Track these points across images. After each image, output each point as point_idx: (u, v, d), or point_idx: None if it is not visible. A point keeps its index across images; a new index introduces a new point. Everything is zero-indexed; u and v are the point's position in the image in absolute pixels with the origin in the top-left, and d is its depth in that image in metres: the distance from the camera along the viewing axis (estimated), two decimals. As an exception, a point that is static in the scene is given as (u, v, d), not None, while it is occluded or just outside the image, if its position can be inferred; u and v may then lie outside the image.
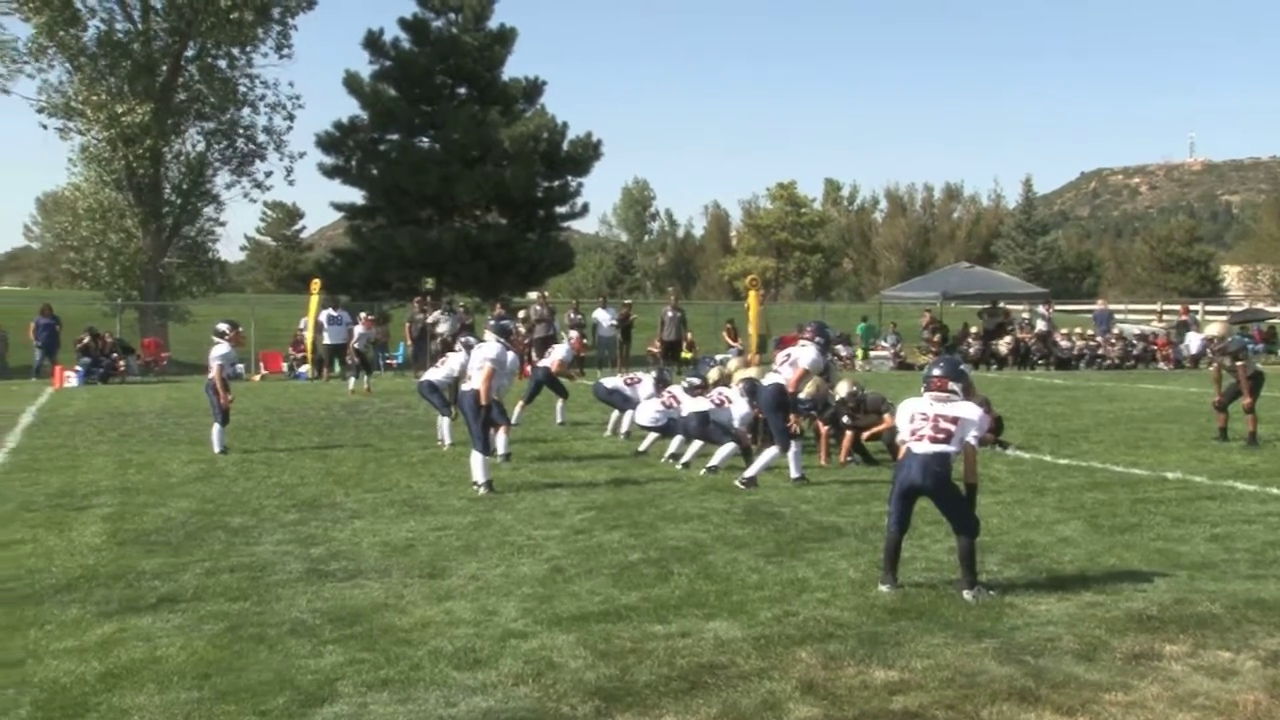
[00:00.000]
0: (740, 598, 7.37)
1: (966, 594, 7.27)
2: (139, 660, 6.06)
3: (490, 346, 12.06)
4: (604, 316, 33.31)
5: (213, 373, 14.32)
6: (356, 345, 25.00)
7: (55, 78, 35.98)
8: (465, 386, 12.09)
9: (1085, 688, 5.61)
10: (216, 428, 14.39)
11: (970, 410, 7.61)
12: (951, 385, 7.64)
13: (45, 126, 36.52)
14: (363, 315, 26.87)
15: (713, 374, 15.11)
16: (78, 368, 27.59)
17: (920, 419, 7.55)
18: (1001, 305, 37.69)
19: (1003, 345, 34.63)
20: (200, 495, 11.35)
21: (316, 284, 31.63)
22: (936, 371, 7.79)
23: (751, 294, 32.16)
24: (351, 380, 24.45)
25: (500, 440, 13.27)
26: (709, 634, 6.55)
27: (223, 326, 14.69)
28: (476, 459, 11.45)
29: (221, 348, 14.47)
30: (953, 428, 7.44)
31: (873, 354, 35.29)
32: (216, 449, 14.22)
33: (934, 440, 7.44)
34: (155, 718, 5.25)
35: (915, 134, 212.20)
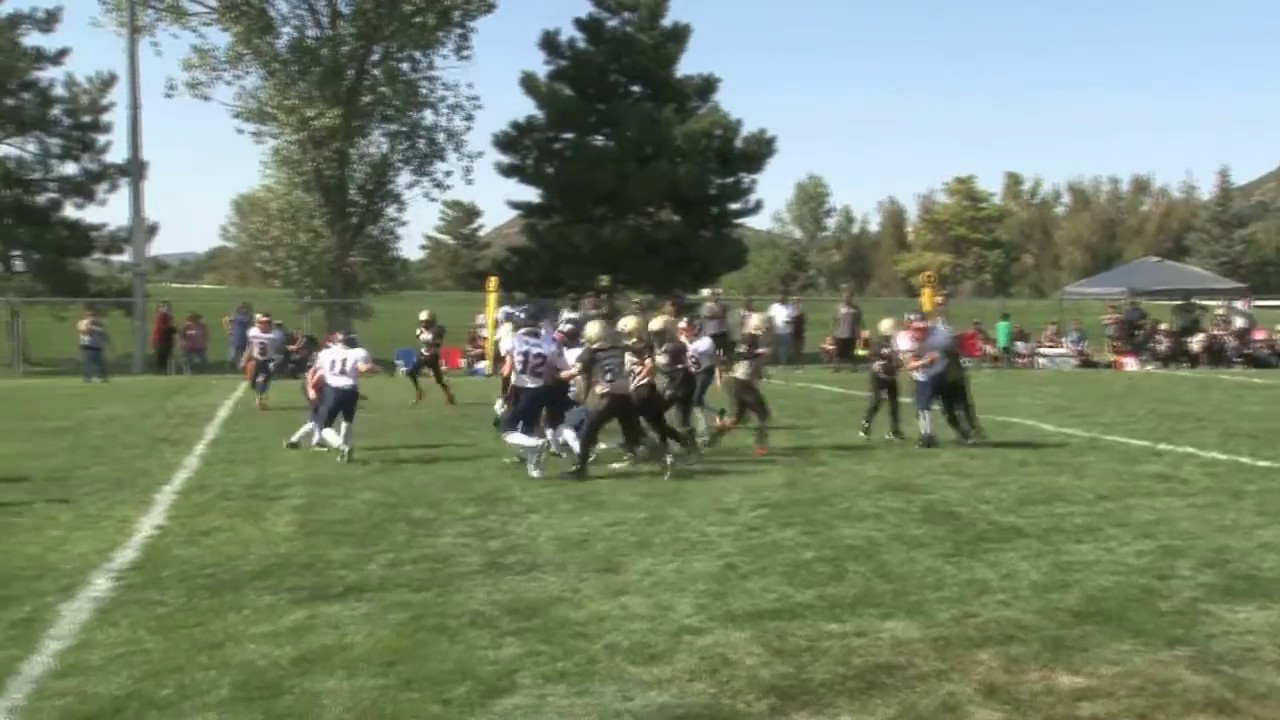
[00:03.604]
0: (917, 598, 7.25)
1: None
2: (328, 646, 6.28)
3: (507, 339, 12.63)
4: (781, 313, 33.10)
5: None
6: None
7: (250, 84, 37.64)
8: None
9: (1288, 702, 5.36)
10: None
11: None
12: None
13: (241, 131, 38.29)
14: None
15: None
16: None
17: None
18: (1194, 301, 36.24)
19: (1195, 343, 33.29)
20: (383, 488, 11.69)
21: (493, 281, 32.24)
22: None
23: (926, 290, 31.61)
24: None
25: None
26: (885, 634, 6.47)
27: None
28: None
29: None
30: None
31: (1053, 351, 34.28)
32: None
33: None
34: (344, 702, 5.43)
35: (1101, 125, 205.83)
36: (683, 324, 15.89)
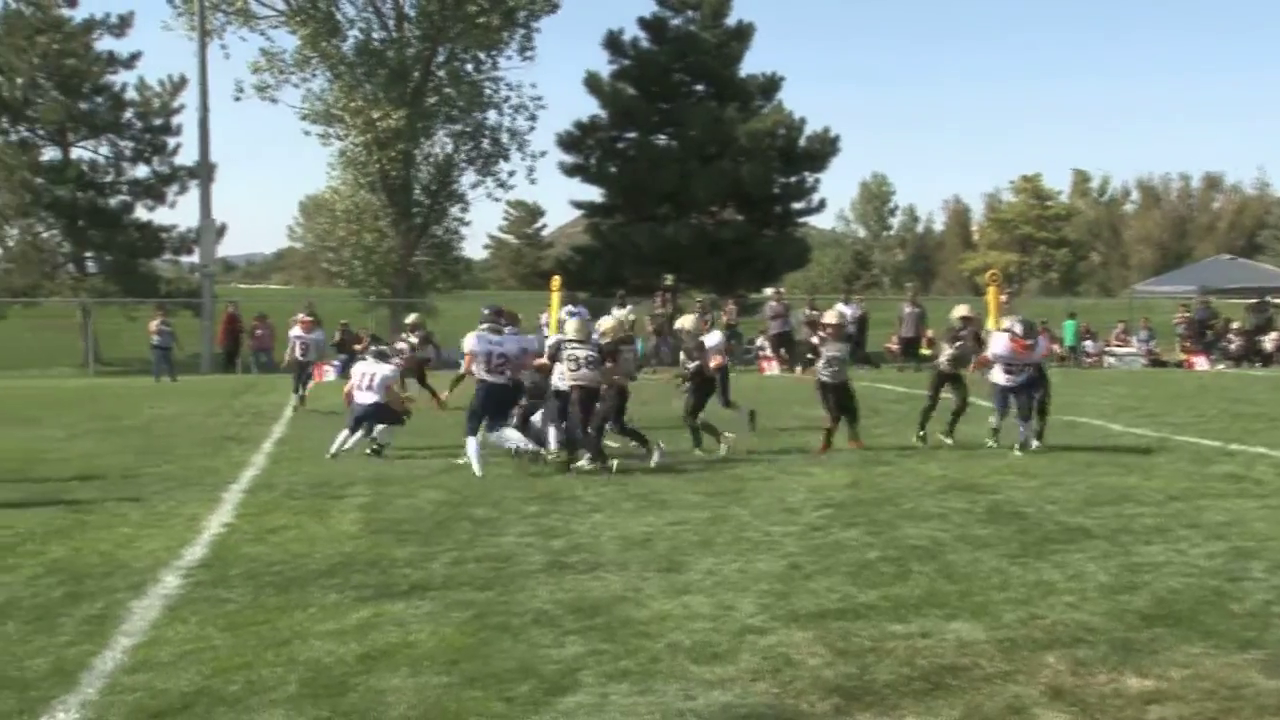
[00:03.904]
0: (983, 599, 7.17)
1: None
2: (393, 644, 6.32)
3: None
4: (846, 312, 32.87)
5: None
6: None
7: (317, 86, 38.09)
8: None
9: (1366, 711, 5.24)
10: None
11: None
12: None
13: (308, 133, 38.80)
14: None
15: None
16: (335, 362, 28.90)
17: None
18: (1268, 299, 35.59)
19: (1268, 341, 32.69)
20: (447, 487, 11.76)
21: (557, 281, 32.22)
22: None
23: (991, 289, 31.25)
24: None
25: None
26: (950, 635, 6.40)
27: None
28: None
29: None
30: None
31: (1122, 351, 33.80)
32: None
33: None
34: (408, 700, 5.46)
35: (1170, 121, 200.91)
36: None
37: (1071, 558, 8.27)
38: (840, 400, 14.11)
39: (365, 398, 14.09)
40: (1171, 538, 8.87)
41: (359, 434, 14.06)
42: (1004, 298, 30.55)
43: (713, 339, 14.81)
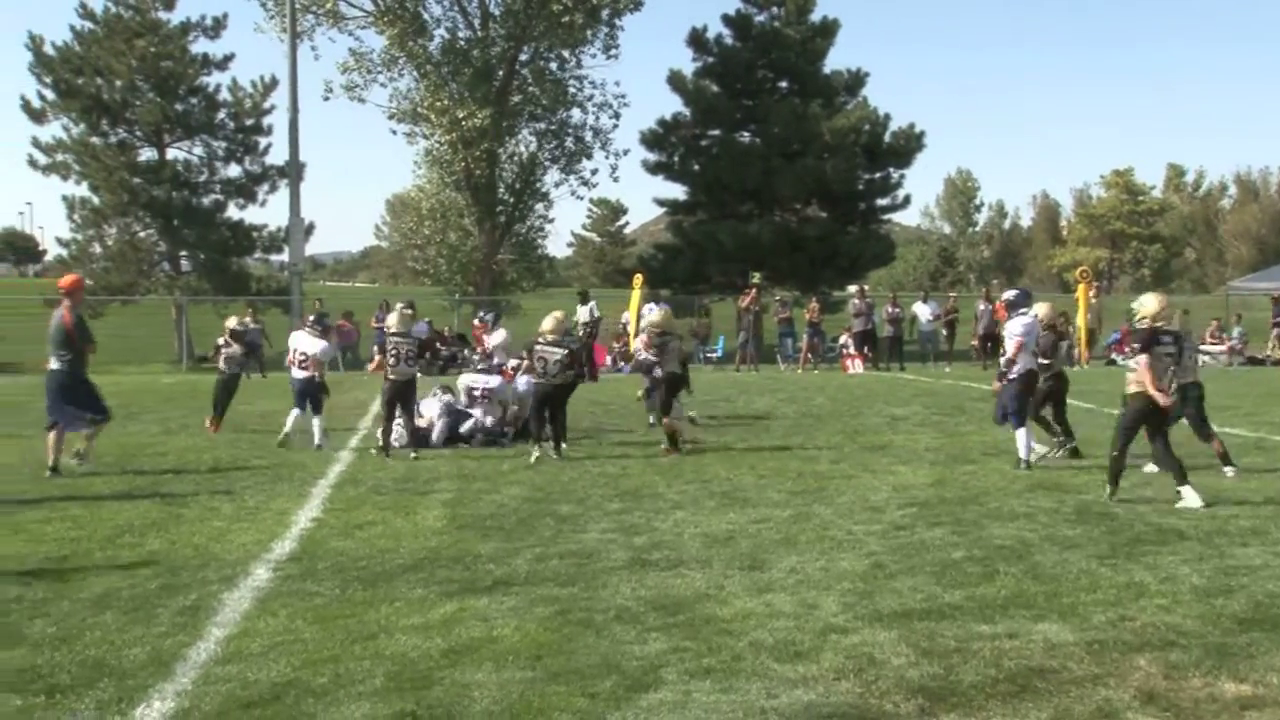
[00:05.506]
0: (1071, 600, 7.07)
1: None
2: (477, 639, 6.39)
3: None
4: (924, 310, 32.64)
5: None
6: None
7: (403, 86, 38.51)
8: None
9: None
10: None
11: None
12: None
13: (394, 132, 39.28)
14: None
15: None
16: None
17: None
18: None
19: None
20: (530, 483, 11.85)
21: (640, 278, 32.37)
22: None
23: (1081, 286, 30.80)
24: None
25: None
26: (1038, 636, 6.32)
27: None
28: None
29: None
30: None
31: (1215, 348, 33.03)
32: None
33: None
34: (492, 694, 5.52)
35: (1269, 114, 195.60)
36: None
37: (1164, 559, 8.12)
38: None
39: (299, 373, 14.92)
40: (1269, 540, 8.68)
41: (296, 412, 14.92)
42: (1092, 296, 30.11)
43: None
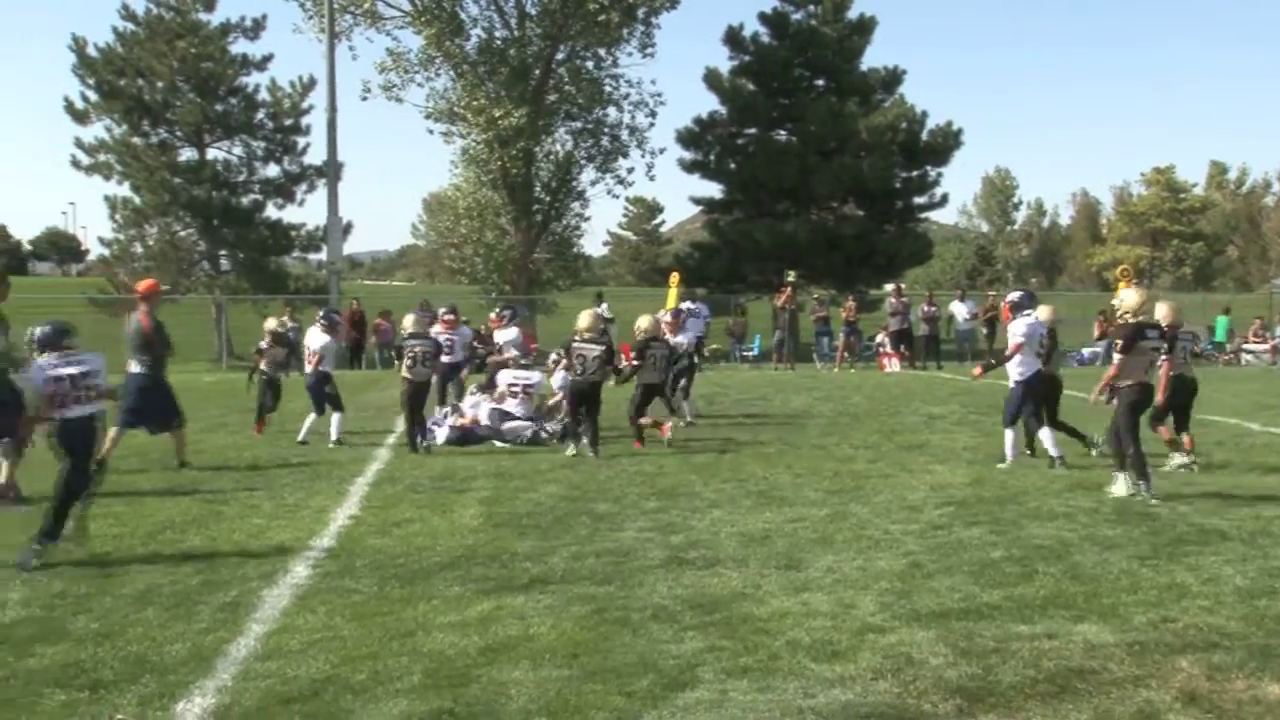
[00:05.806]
0: (1111, 600, 7.02)
1: None
2: (514, 637, 6.42)
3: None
4: (961, 309, 32.48)
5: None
6: None
7: (440, 85, 38.67)
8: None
9: None
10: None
11: None
12: None
13: (431, 131, 39.40)
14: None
15: None
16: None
17: None
18: None
19: None
20: (567, 481, 11.88)
21: (676, 276, 32.32)
22: None
23: (1121, 285, 30.48)
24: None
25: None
26: (1077, 637, 6.29)
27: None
28: None
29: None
30: None
31: (1259, 347, 32.70)
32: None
33: None
34: (529, 693, 5.54)
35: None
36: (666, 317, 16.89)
37: (1206, 560, 8.05)
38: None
39: (308, 370, 15.26)
40: (1307, 541, 8.60)
41: (312, 417, 15.12)
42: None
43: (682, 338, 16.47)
